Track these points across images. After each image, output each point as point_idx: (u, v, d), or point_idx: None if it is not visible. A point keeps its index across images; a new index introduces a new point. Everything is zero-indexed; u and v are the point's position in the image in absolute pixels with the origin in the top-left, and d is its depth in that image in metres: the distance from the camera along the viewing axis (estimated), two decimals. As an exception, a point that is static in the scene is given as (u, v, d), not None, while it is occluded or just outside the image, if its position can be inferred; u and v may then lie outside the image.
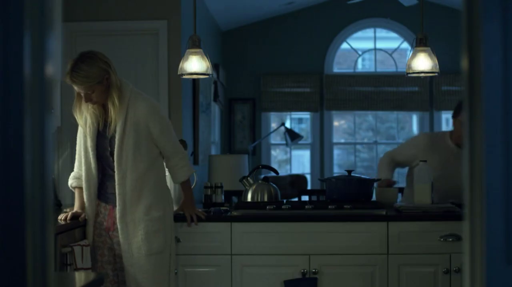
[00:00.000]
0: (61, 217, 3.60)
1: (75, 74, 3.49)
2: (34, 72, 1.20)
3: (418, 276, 3.96)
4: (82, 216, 3.67)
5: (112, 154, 3.62)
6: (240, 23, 8.85)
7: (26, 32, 1.19)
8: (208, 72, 4.32)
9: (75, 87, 3.55)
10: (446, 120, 9.16)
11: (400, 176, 9.28)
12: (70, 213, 3.62)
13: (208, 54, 4.35)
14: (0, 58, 1.18)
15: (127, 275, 3.60)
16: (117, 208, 3.59)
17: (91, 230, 3.68)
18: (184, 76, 4.40)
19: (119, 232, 3.60)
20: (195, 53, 4.26)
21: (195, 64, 4.24)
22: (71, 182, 3.77)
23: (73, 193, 3.86)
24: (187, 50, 4.29)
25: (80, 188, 3.73)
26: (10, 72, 1.18)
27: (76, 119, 3.68)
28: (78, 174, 3.74)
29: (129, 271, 3.59)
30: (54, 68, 1.24)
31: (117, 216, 3.59)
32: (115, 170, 3.59)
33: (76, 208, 3.72)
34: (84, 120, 3.65)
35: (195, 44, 4.28)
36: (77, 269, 3.46)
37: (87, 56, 3.54)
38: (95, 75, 3.50)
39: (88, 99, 3.54)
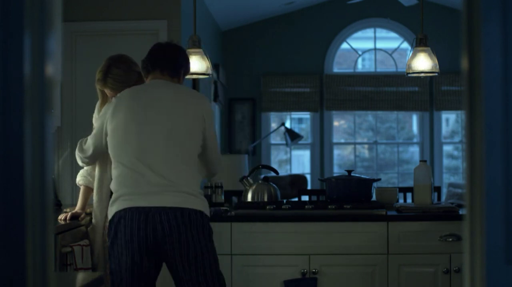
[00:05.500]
0: (61, 217, 3.60)
1: (111, 80, 3.51)
2: (34, 72, 1.20)
3: (418, 276, 3.96)
4: (82, 216, 3.67)
5: None
6: (240, 23, 8.85)
7: (26, 32, 1.19)
8: (208, 72, 4.32)
9: (107, 92, 3.55)
10: (446, 120, 9.15)
11: (400, 176, 9.28)
12: (70, 213, 3.62)
13: (208, 54, 4.35)
14: (0, 58, 1.18)
15: None
16: None
17: (100, 231, 3.66)
18: (184, 76, 4.40)
19: None
20: (195, 53, 4.26)
21: (195, 64, 4.25)
22: (79, 179, 3.75)
23: (73, 193, 3.85)
24: (187, 50, 4.28)
25: (87, 187, 3.72)
26: (10, 72, 1.18)
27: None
28: (87, 172, 3.73)
29: None
30: (54, 68, 1.24)
31: None
32: None
33: (77, 208, 3.71)
34: None
35: (195, 44, 4.28)
36: (77, 269, 3.46)
37: (120, 61, 3.56)
38: (131, 79, 3.54)
39: None
